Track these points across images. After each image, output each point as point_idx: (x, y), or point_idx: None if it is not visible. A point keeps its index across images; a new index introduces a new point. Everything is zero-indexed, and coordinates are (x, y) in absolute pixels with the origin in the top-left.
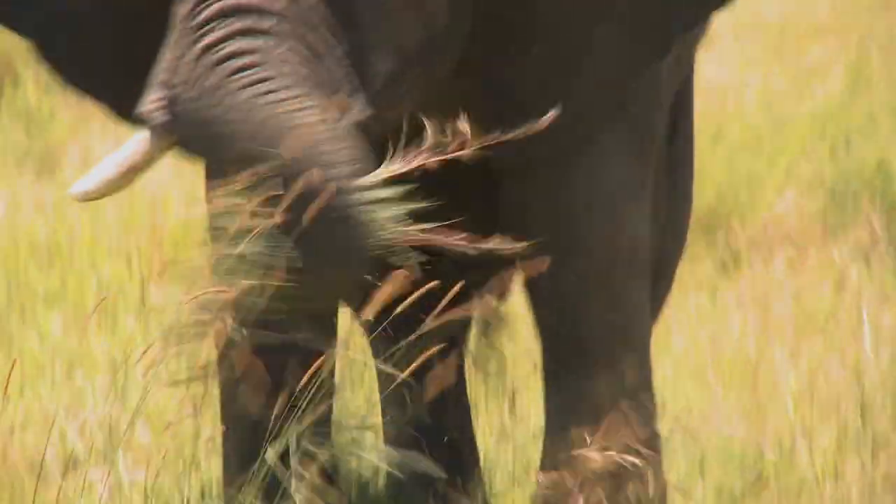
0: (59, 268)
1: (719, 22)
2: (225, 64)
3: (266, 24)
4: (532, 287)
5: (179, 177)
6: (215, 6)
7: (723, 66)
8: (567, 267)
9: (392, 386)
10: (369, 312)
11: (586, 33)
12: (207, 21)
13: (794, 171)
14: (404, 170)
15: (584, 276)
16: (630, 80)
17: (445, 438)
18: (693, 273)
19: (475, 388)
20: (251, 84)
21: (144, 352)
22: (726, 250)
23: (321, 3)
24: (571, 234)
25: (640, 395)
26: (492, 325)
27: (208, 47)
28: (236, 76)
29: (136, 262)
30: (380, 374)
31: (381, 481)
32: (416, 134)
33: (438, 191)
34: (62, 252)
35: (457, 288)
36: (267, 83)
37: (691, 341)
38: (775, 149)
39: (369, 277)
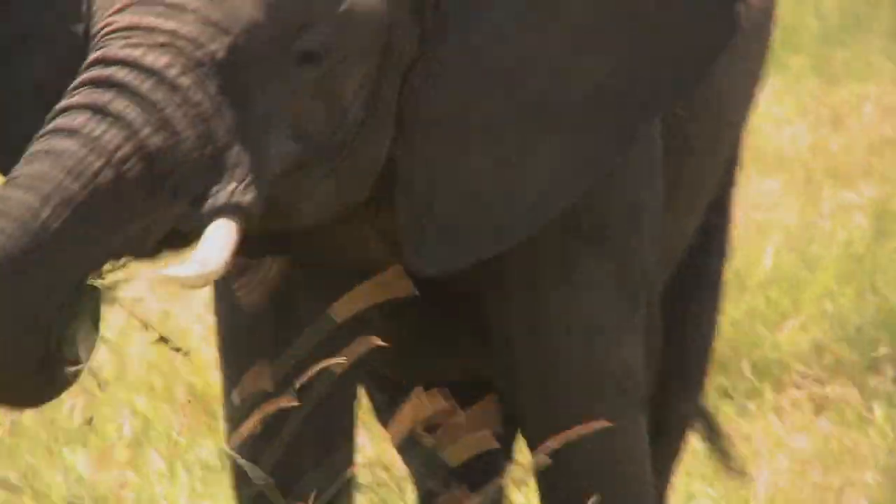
0: (87, 403)
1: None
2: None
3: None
4: (522, 418)
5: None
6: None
7: (746, 203)
8: (549, 398)
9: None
10: (397, 436)
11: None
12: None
13: (817, 311)
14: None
15: (567, 406)
16: (573, 194)
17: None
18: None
19: None
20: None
21: None
22: (743, 387)
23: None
24: (550, 360)
25: None
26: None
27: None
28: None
29: (163, 397)
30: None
31: None
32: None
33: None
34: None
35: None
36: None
37: None
38: (800, 288)
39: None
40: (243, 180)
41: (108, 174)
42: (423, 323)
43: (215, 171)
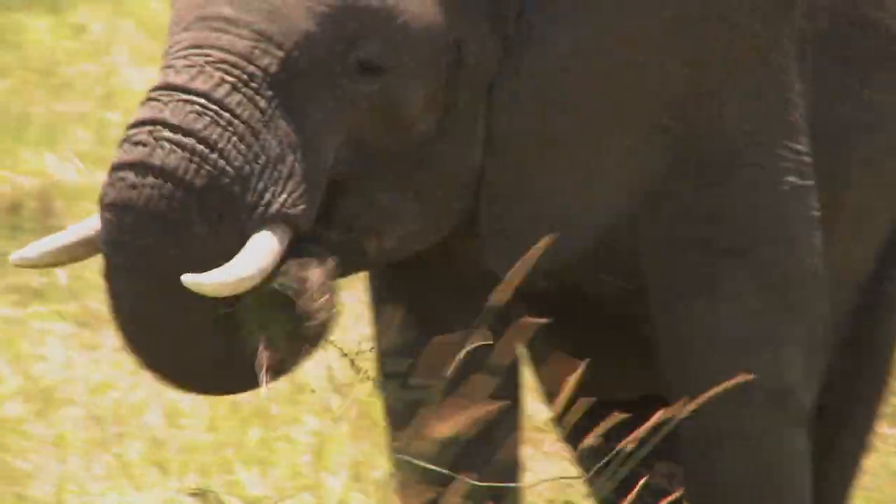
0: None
1: None
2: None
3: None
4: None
5: None
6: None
7: None
8: (699, 413)
9: None
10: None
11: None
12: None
13: None
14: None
15: (716, 420)
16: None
17: None
18: None
19: None
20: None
21: None
22: None
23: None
24: (696, 373)
25: None
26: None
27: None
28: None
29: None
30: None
31: None
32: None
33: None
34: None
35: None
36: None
37: None
38: None
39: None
40: (295, 191)
41: (166, 235)
42: (585, 345)
43: (268, 181)
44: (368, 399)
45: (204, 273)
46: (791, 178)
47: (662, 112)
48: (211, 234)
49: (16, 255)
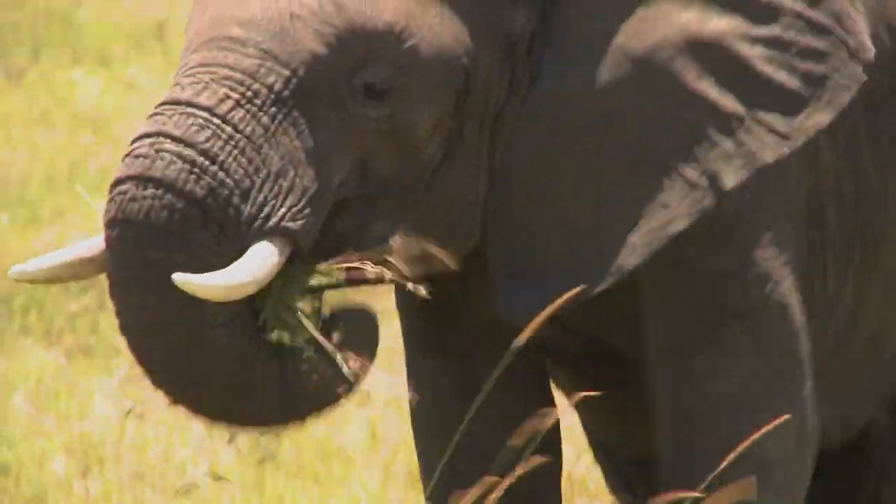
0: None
1: None
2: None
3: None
4: (665, 484)
5: None
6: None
7: None
8: (692, 468)
9: None
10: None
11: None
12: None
13: None
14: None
15: (706, 476)
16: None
17: None
18: None
19: None
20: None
21: None
22: None
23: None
24: (692, 427)
25: None
26: None
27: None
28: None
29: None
30: None
31: None
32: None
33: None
34: None
35: None
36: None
37: None
38: None
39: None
40: (296, 205)
41: (168, 241)
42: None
43: (269, 195)
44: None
45: (196, 274)
46: (789, 245)
47: (678, 160)
48: (213, 244)
49: (15, 269)
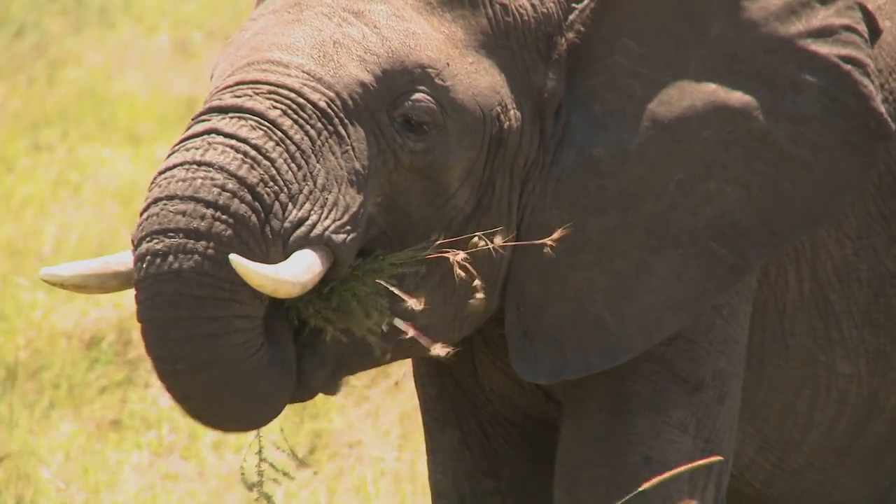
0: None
1: None
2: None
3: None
4: None
5: None
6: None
7: None
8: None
9: None
10: None
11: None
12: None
13: None
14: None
15: None
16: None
17: None
18: None
19: None
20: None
21: None
22: None
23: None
24: (621, 488)
25: None
26: None
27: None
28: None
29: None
30: None
31: None
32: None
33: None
34: None
35: None
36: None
37: None
38: None
39: None
40: (339, 220)
41: (216, 214)
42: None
43: (315, 204)
44: None
45: (253, 262)
46: (742, 334)
47: (701, 235)
48: (257, 231)
49: (45, 270)
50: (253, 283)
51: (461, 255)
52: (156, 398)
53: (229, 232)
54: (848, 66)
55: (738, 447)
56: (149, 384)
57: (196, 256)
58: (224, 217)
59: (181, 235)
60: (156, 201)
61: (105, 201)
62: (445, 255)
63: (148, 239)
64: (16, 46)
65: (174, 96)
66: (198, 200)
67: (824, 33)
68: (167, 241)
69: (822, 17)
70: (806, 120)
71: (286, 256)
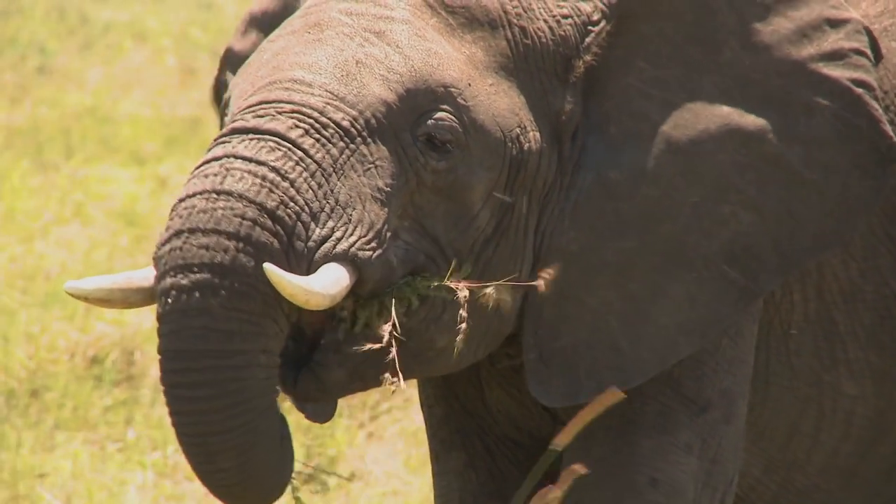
0: None
1: None
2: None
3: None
4: None
5: None
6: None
7: None
8: None
9: None
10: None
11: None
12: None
13: None
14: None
15: None
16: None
17: None
18: None
19: None
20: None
21: None
22: None
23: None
24: None
25: None
26: None
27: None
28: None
29: None
30: None
31: None
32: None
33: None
34: None
35: None
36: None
37: None
38: None
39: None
40: (364, 237)
41: (238, 245)
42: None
43: (338, 221)
44: None
45: (286, 273)
46: (749, 354)
47: (716, 259)
48: (281, 256)
49: (70, 284)
50: (285, 293)
51: (466, 292)
52: (161, 418)
53: (253, 263)
54: (859, 90)
55: (744, 467)
56: (154, 403)
57: (222, 292)
58: (247, 248)
59: (206, 271)
60: (178, 234)
61: (109, 221)
62: (457, 286)
63: (172, 274)
64: (21, 66)
65: (179, 116)
66: (220, 233)
67: (835, 57)
68: (192, 276)
69: (832, 40)
70: (819, 144)
71: (312, 272)
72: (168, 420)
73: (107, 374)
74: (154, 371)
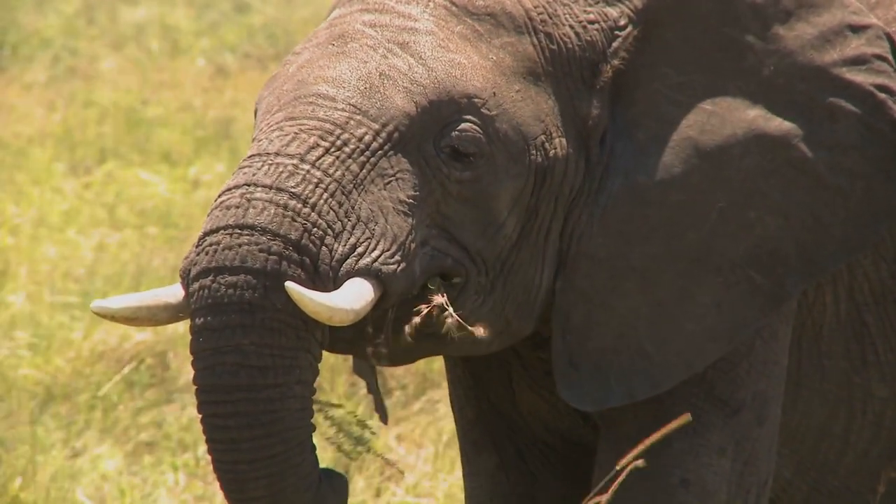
0: None
1: None
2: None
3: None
4: None
5: None
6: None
7: None
8: None
9: None
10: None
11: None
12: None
13: None
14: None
15: None
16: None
17: None
18: None
19: None
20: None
21: None
22: None
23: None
24: None
25: None
26: None
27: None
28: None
29: None
30: None
31: None
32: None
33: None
34: None
35: None
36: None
37: None
38: None
39: None
40: (388, 251)
41: (266, 283)
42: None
43: (361, 237)
44: None
45: (308, 290)
46: (782, 356)
47: (742, 263)
48: (307, 283)
49: (97, 303)
50: (308, 311)
51: (442, 299)
52: (192, 420)
53: (283, 297)
54: (883, 95)
55: (776, 469)
56: (185, 406)
57: (253, 330)
58: (275, 284)
59: (235, 310)
60: (206, 272)
61: (141, 223)
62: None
63: (203, 313)
64: (53, 69)
65: (210, 118)
66: (247, 271)
67: (858, 62)
68: (222, 317)
69: (854, 45)
70: (843, 149)
71: (337, 288)
72: (198, 422)
73: (142, 377)
74: (186, 374)
